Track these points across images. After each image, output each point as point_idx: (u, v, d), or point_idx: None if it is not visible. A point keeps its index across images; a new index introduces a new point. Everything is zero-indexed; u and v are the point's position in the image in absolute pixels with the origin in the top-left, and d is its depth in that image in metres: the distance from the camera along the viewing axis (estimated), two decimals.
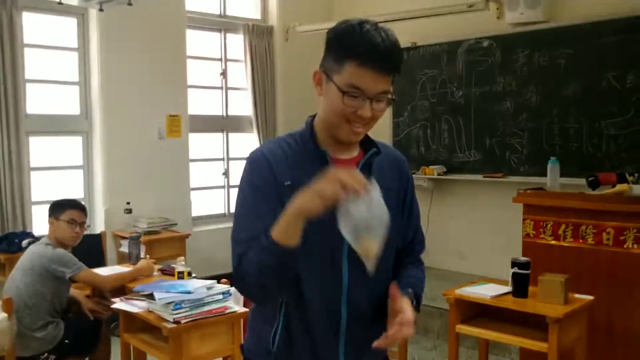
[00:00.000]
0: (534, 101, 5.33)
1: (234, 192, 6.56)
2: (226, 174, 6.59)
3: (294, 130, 1.59)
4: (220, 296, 2.96)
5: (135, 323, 3.17)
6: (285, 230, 1.34)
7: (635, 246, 3.50)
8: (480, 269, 5.65)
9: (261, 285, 1.42)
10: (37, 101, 5.33)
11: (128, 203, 5.48)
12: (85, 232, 5.38)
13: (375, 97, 1.44)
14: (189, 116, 6.03)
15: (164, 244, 5.25)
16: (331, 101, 1.46)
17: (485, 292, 3.19)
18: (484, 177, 5.65)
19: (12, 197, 4.95)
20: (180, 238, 5.43)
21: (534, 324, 3.05)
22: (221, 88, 6.51)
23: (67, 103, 5.55)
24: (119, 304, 3.12)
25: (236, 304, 3.01)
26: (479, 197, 5.93)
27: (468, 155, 5.84)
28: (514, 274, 3.13)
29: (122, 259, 5.19)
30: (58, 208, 3.48)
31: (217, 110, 6.50)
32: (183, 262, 3.54)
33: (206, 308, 2.89)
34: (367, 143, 1.59)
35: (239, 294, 3.10)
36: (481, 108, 5.69)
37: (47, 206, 3.59)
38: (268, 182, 1.48)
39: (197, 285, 2.95)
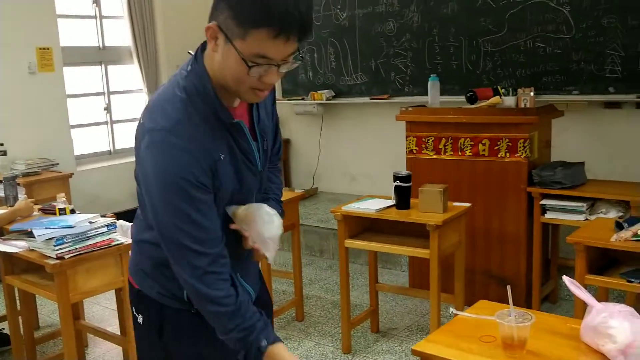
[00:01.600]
0: (416, 21, 5.41)
1: (118, 128, 6.37)
2: (108, 109, 6.30)
3: (184, 82, 1.41)
4: (105, 229, 2.87)
5: (17, 264, 3.03)
6: None
7: (507, 155, 3.72)
8: (370, 189, 5.82)
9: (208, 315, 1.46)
10: None
11: (1, 144, 5.13)
12: None
13: (282, 62, 1.34)
14: (61, 48, 5.64)
15: (45, 185, 5.00)
16: (231, 67, 1.33)
17: (370, 206, 3.30)
18: (371, 99, 5.75)
19: None
20: (63, 178, 5.18)
21: (417, 234, 3.20)
22: (95, 17, 6.11)
23: None
24: None
25: (123, 236, 2.94)
26: (367, 120, 6.05)
27: (355, 78, 5.90)
28: (396, 187, 3.24)
29: (3, 201, 4.90)
30: None
31: (92, 41, 6.13)
32: (64, 199, 3.39)
33: (90, 242, 2.80)
34: None
35: (125, 227, 3.04)
36: (365, 30, 5.73)
37: None
38: (201, 165, 1.37)
39: (78, 219, 2.84)
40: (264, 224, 1.52)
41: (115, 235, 2.92)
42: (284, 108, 6.50)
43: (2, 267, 3.05)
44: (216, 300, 1.40)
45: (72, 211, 3.42)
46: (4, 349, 3.48)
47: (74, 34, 5.94)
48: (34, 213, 3.54)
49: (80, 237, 2.77)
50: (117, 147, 6.40)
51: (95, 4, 6.07)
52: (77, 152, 5.90)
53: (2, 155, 5.14)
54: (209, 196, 1.40)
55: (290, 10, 1.26)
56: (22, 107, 5.39)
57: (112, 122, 6.34)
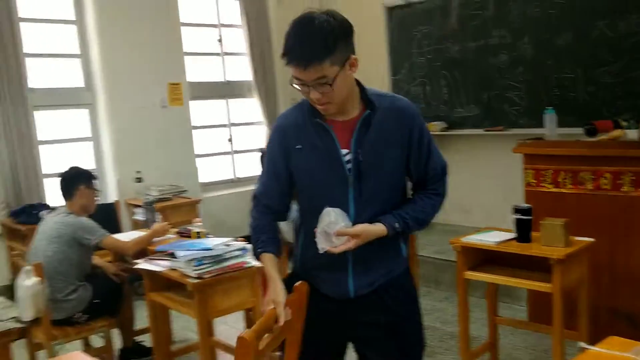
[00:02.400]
0: (529, 53, 5.40)
1: (239, 158, 6.76)
2: (231, 140, 6.69)
3: (305, 99, 1.89)
4: (239, 252, 3.10)
5: (158, 281, 3.31)
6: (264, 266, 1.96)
7: (632, 189, 3.64)
8: (484, 221, 5.79)
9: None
10: (40, 75, 5.41)
11: (138, 172, 5.61)
12: (99, 202, 5.57)
13: (312, 84, 1.75)
14: (188, 83, 6.11)
15: (177, 210, 5.39)
16: None
17: (490, 238, 3.33)
18: (485, 131, 5.76)
19: (25, 170, 5.07)
20: (192, 204, 5.57)
21: (538, 268, 3.19)
22: (219, 54, 6.57)
23: (70, 76, 5.63)
24: (142, 264, 3.26)
25: (253, 260, 3.15)
26: (480, 151, 6.05)
27: (468, 110, 5.94)
28: (517, 220, 3.26)
29: (135, 226, 5.34)
30: (88, 178, 3.64)
31: (216, 76, 6.57)
32: (200, 223, 3.68)
33: (226, 264, 3.03)
34: (369, 101, 1.89)
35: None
36: (478, 62, 5.77)
37: (59, 179, 3.67)
38: (281, 147, 1.94)
39: (216, 243, 3.09)
40: (320, 218, 1.85)
41: (247, 258, 3.14)
42: None
43: (147, 284, 3.35)
44: (251, 224, 2.03)
45: (206, 234, 3.71)
46: (144, 359, 3.79)
47: (200, 70, 6.40)
48: (170, 235, 3.87)
49: (217, 259, 3.01)
50: (239, 175, 6.77)
51: (219, 42, 6.53)
52: (202, 180, 6.30)
53: (138, 181, 5.62)
54: (275, 166, 1.97)
55: (288, 42, 1.75)
56: (154, 138, 5.87)
57: (234, 152, 6.72)
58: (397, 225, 1.90)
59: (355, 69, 1.84)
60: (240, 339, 1.57)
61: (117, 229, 5.14)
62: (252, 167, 6.73)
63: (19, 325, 2.50)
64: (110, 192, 5.69)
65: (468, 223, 6.06)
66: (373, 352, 2.02)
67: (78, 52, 5.63)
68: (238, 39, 6.59)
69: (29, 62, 5.29)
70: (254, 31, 6.49)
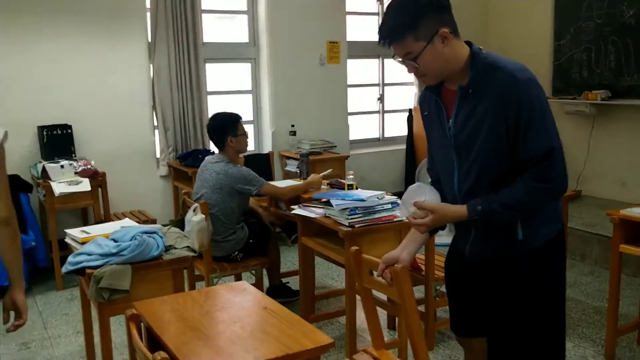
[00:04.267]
0: None
1: (388, 118, 6.85)
2: (381, 99, 6.79)
3: None
4: (389, 205, 3.22)
5: (311, 228, 3.53)
6: None
7: None
8: None
9: None
10: (212, 30, 5.82)
11: (292, 126, 5.89)
12: (255, 152, 5.95)
13: (403, 59, 1.85)
14: (347, 42, 6.25)
15: (326, 164, 5.58)
16: None
17: None
18: None
19: (194, 118, 5.52)
20: (340, 159, 5.77)
21: None
22: (377, 14, 6.63)
23: (237, 32, 5.99)
24: (298, 210, 3.49)
25: (403, 214, 3.25)
26: None
27: (637, 78, 5.55)
28: None
29: (287, 176, 5.65)
30: (232, 125, 3.82)
31: (373, 35, 6.64)
32: (352, 176, 3.84)
33: (377, 215, 3.17)
34: (473, 70, 1.86)
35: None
36: None
37: (208, 128, 3.95)
38: (420, 114, 2.14)
39: (368, 195, 3.23)
40: (408, 188, 2.02)
41: (397, 212, 3.25)
42: (553, 106, 6.31)
43: (300, 229, 3.59)
44: None
45: (356, 187, 3.87)
46: (290, 299, 4.07)
47: (358, 29, 6.51)
48: (322, 187, 4.07)
49: (370, 209, 3.16)
50: (387, 135, 6.87)
51: (378, 2, 6.58)
52: (351, 137, 6.48)
53: (293, 135, 5.91)
54: (426, 130, 2.12)
55: (380, 24, 1.88)
56: (311, 94, 6.11)
57: (384, 111, 6.82)
58: (479, 207, 1.86)
59: (449, 41, 1.82)
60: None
61: (270, 178, 5.48)
62: (399, 127, 6.79)
63: (192, 253, 2.79)
64: (265, 143, 6.03)
65: (622, 197, 5.74)
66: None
67: (246, 8, 5.95)
68: None
69: (204, 18, 5.70)
70: None
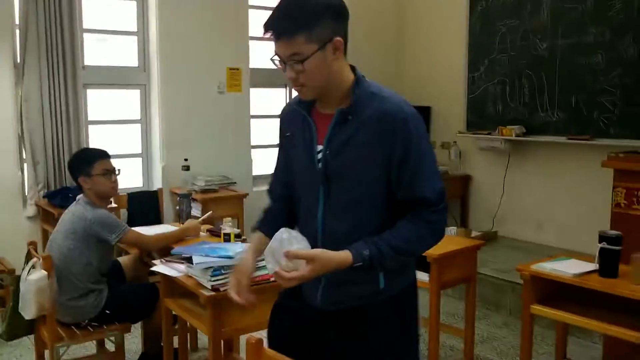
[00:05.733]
0: (631, 53, 4.71)
1: None
2: None
3: None
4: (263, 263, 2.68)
5: (177, 287, 2.95)
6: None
7: None
8: (559, 241, 5.19)
9: None
10: (94, 53, 5.20)
11: (186, 160, 5.32)
12: (143, 189, 5.31)
13: (287, 60, 1.63)
14: (250, 70, 5.75)
15: (221, 203, 5.05)
16: None
17: (566, 269, 2.78)
18: (568, 139, 5.10)
19: (70, 151, 4.84)
20: (238, 197, 5.22)
21: (622, 308, 2.63)
22: None
23: (125, 55, 5.39)
24: (158, 266, 2.90)
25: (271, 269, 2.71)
26: (561, 162, 5.40)
27: (551, 114, 5.29)
28: (601, 250, 2.70)
29: (178, 217, 5.03)
30: (85, 163, 3.18)
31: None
32: (230, 224, 3.29)
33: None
34: (356, 95, 1.68)
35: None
36: (568, 62, 5.12)
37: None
38: (280, 134, 1.90)
39: (238, 250, 2.68)
40: (274, 236, 1.65)
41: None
42: (467, 141, 6.06)
43: (163, 288, 3.00)
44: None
45: (238, 236, 3.32)
46: None
47: (263, 55, 6.04)
48: (202, 234, 3.50)
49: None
50: None
51: None
52: (254, 172, 5.95)
53: (186, 170, 5.33)
54: (278, 154, 1.96)
55: (270, 16, 1.64)
56: (208, 124, 5.55)
57: None
58: (366, 252, 1.62)
59: (340, 54, 1.65)
60: None
61: (157, 219, 4.87)
62: None
63: None
64: (155, 179, 5.41)
65: (538, 240, 5.46)
66: None
67: (136, 29, 5.37)
68: None
69: (86, 38, 5.08)
70: None
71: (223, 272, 2.56)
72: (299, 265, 1.59)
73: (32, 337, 3.32)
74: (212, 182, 5.24)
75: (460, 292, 4.20)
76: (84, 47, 5.04)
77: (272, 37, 1.61)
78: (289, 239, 1.61)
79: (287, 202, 1.91)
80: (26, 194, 4.82)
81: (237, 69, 5.66)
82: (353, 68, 1.74)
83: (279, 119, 1.91)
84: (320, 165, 1.71)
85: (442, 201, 1.68)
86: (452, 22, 6.11)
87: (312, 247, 1.64)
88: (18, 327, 3.18)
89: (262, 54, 6.01)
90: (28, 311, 2.90)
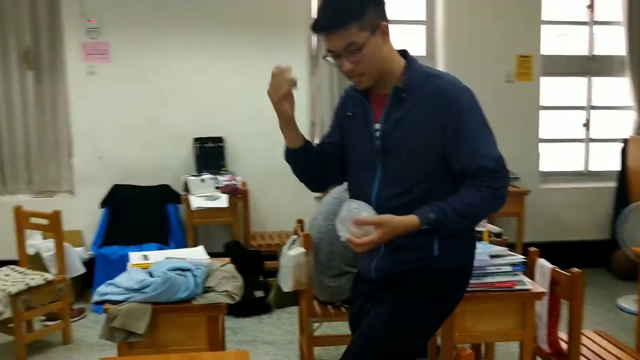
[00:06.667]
0: None
1: (595, 147, 5.68)
2: (587, 125, 5.66)
3: None
4: (509, 268, 2.44)
5: None
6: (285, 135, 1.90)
7: None
8: None
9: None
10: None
11: None
12: None
13: (343, 53, 1.73)
14: (542, 57, 5.30)
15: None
16: None
17: None
18: None
19: None
20: (519, 194, 4.87)
21: None
22: (586, 23, 5.53)
23: (414, 43, 5.45)
24: None
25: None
26: None
27: None
28: None
29: None
30: None
31: (579, 49, 5.57)
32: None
33: (489, 280, 2.42)
34: (408, 74, 1.79)
35: (546, 268, 2.55)
36: None
37: None
38: (338, 114, 2.01)
39: (479, 251, 2.47)
40: (342, 207, 1.80)
41: (521, 277, 2.46)
42: None
43: None
44: None
45: (498, 235, 3.09)
46: None
47: (557, 41, 5.52)
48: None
49: (476, 271, 2.40)
50: (591, 168, 5.71)
51: (589, 9, 5.49)
52: (542, 168, 5.49)
53: None
54: (331, 129, 2.04)
55: (318, 14, 1.77)
56: (492, 116, 5.17)
57: (590, 139, 5.67)
58: (431, 215, 1.71)
59: (387, 38, 1.76)
60: None
61: None
62: (609, 159, 5.58)
63: (228, 300, 2.35)
64: None
65: None
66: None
67: (423, 18, 5.39)
68: (612, 5, 5.45)
69: None
70: None
71: None
72: (369, 231, 1.69)
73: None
74: None
75: None
76: None
77: (322, 32, 1.74)
78: (357, 209, 1.73)
79: (323, 155, 1.99)
80: None
81: (528, 57, 5.26)
82: (405, 52, 1.85)
83: (340, 100, 2.04)
84: (378, 142, 1.81)
85: (502, 168, 1.80)
86: None
87: None
88: (284, 298, 3.45)
89: (556, 39, 5.51)
90: (285, 284, 3.10)
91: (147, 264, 2.49)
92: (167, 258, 2.50)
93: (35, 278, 3.40)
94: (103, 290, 2.31)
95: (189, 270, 2.32)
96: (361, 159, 1.89)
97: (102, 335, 2.20)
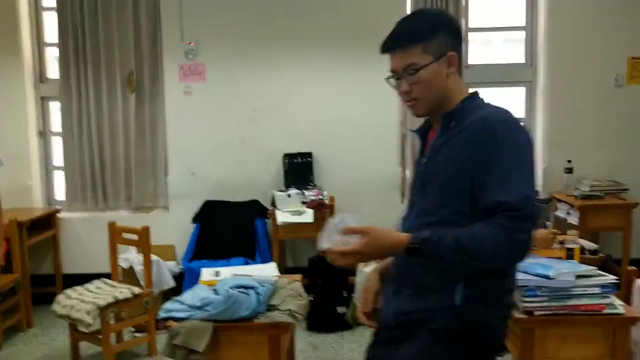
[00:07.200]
0: None
1: None
2: None
3: None
4: (597, 289, 2.19)
5: None
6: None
7: None
8: None
9: None
10: (480, 51, 5.13)
11: (569, 162, 4.79)
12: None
13: (403, 73, 1.68)
14: None
15: (603, 212, 4.42)
16: None
17: None
18: None
19: None
20: (626, 206, 4.46)
21: None
22: None
23: (510, 52, 5.18)
24: None
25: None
26: None
27: None
28: None
29: (557, 224, 4.58)
30: None
31: None
32: (575, 237, 2.79)
33: (573, 302, 2.18)
34: (461, 104, 1.70)
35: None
36: None
37: None
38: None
39: (563, 270, 2.24)
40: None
41: (612, 300, 2.20)
42: None
43: None
44: None
45: (594, 252, 2.82)
46: None
47: None
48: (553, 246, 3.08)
49: (560, 292, 2.18)
50: None
51: None
52: None
53: (568, 173, 4.80)
54: None
55: (389, 33, 1.74)
56: (599, 122, 4.93)
57: None
58: (424, 235, 1.55)
59: (455, 70, 1.68)
60: None
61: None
62: None
63: (290, 320, 2.27)
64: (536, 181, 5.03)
65: None
66: None
67: (523, 24, 5.10)
68: None
69: (472, 37, 5.08)
70: None
71: (540, 293, 2.17)
72: (352, 240, 1.57)
73: None
74: (599, 187, 4.60)
75: None
76: (468, 46, 5.02)
77: (386, 49, 1.71)
78: (342, 220, 1.61)
79: None
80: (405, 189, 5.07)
81: None
82: (476, 93, 1.74)
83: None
84: (422, 169, 1.74)
85: (524, 207, 1.51)
86: None
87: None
88: None
89: None
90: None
91: (215, 281, 2.48)
92: (235, 275, 2.48)
93: (124, 291, 3.51)
94: (169, 307, 2.32)
95: (252, 288, 2.27)
96: (412, 192, 1.81)
97: (163, 352, 2.21)
